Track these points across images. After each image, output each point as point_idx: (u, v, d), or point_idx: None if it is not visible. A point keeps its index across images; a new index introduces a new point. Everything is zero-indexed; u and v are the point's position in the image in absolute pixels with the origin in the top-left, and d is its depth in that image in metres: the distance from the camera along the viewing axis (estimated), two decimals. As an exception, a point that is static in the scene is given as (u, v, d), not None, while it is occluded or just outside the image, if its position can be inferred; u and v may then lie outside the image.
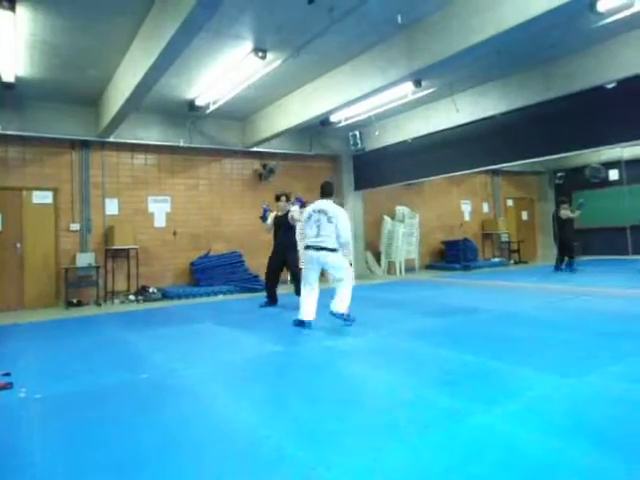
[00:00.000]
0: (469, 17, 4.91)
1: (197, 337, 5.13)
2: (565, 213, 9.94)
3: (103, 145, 8.54)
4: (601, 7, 4.95)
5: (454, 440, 2.27)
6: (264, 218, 7.02)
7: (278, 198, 6.94)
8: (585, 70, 6.67)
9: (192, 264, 9.21)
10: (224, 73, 6.59)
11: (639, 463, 1.98)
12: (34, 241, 8.09)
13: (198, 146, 9.17)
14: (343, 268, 5.10)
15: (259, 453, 2.24)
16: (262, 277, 9.47)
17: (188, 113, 8.28)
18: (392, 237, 11.61)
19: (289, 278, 9.94)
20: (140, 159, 9.06)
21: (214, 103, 7.66)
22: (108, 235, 8.48)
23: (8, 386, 3.40)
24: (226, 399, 3.05)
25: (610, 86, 6.64)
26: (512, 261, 13.72)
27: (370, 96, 6.76)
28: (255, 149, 9.68)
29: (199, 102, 7.80)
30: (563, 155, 8.52)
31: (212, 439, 2.43)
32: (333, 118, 8.79)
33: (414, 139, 9.55)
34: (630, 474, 1.91)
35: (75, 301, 8.02)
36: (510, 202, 14.90)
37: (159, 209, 9.19)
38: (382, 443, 2.27)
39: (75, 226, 8.36)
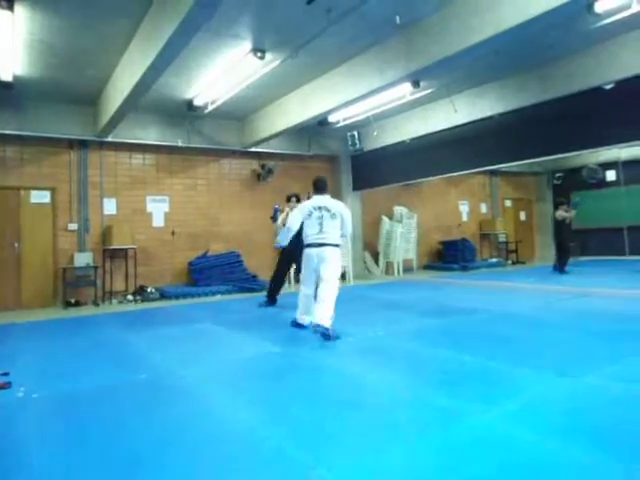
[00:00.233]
0: (468, 18, 4.92)
1: (195, 337, 5.12)
2: (560, 214, 9.96)
3: (101, 145, 8.53)
4: (599, 8, 4.97)
5: (453, 440, 2.27)
6: (274, 218, 6.97)
7: (289, 199, 6.89)
8: (583, 71, 6.69)
9: (190, 264, 9.20)
10: (222, 73, 6.58)
11: (637, 463, 1.99)
12: (32, 241, 8.08)
13: (196, 146, 9.16)
14: (334, 271, 4.80)
15: (258, 453, 2.25)
16: (260, 277, 9.51)
17: (186, 113, 8.28)
18: (390, 237, 11.62)
19: (290, 277, 9.95)
20: (138, 159, 9.05)
21: (212, 103, 7.66)
22: (106, 235, 8.46)
23: (6, 386, 3.40)
24: (225, 399, 3.05)
25: (608, 87, 6.66)
26: (510, 261, 13.75)
27: (368, 97, 6.76)
28: (253, 149, 9.68)
29: (197, 102, 7.79)
30: (561, 156, 8.55)
31: (211, 439, 2.43)
32: (331, 118, 8.79)
33: (412, 139, 9.57)
34: (628, 474, 1.91)
35: (73, 301, 8.00)
36: (508, 203, 14.93)
37: (157, 209, 9.18)
38: (381, 443, 2.27)
39: (73, 226, 8.35)
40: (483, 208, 14.31)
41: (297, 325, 5.14)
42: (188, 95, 7.67)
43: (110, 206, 8.71)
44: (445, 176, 10.38)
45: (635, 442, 2.18)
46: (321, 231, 4.83)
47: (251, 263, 9.75)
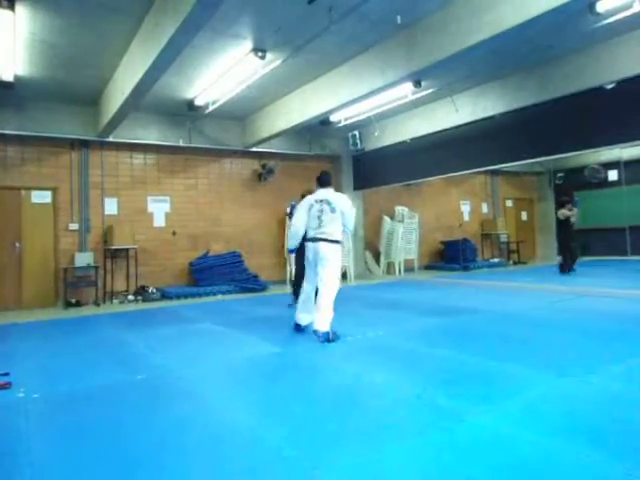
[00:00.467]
0: (468, 18, 4.91)
1: (196, 337, 5.12)
2: (563, 213, 9.86)
3: (102, 145, 8.53)
4: (600, 8, 4.96)
5: (452, 440, 2.27)
6: (291, 215, 6.94)
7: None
8: (584, 71, 6.68)
9: (191, 264, 9.20)
10: (224, 73, 6.58)
11: (637, 463, 1.98)
12: (33, 241, 8.09)
13: (197, 146, 9.16)
14: (332, 270, 4.62)
15: (257, 454, 2.24)
16: (261, 277, 9.52)
17: (187, 113, 8.28)
18: (391, 237, 11.62)
19: (291, 277, 9.95)
20: (139, 159, 9.06)
21: (213, 103, 7.66)
22: (107, 235, 8.47)
23: (7, 386, 3.40)
24: (224, 399, 3.05)
25: (609, 87, 6.64)
26: (511, 261, 13.73)
27: (369, 96, 6.76)
28: (254, 149, 9.67)
29: (198, 102, 7.80)
30: (562, 156, 8.53)
31: (210, 439, 2.43)
32: (333, 118, 8.79)
33: (413, 139, 9.56)
34: (628, 474, 1.90)
35: (74, 301, 8.01)
36: (509, 202, 14.91)
37: (158, 209, 9.18)
38: (381, 443, 2.26)
39: (74, 226, 8.35)
40: (484, 208, 14.29)
41: (296, 326, 5.01)
42: (189, 95, 7.67)
43: (111, 206, 8.71)
44: (446, 176, 10.36)
45: (635, 442, 2.18)
46: (320, 225, 4.71)
47: (252, 263, 9.75)
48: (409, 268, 11.78)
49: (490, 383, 3.11)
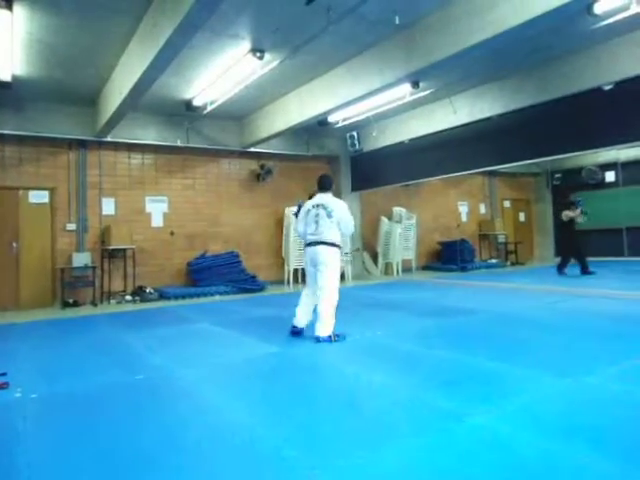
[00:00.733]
0: (467, 18, 4.92)
1: (193, 338, 5.12)
2: (567, 214, 9.72)
3: (100, 145, 8.52)
4: (598, 9, 4.97)
5: (451, 441, 2.27)
6: (297, 214, 6.90)
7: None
8: (582, 72, 6.70)
9: (189, 264, 9.19)
10: (222, 73, 6.58)
11: (635, 464, 1.98)
12: (30, 241, 8.07)
13: (195, 146, 9.15)
14: (331, 275, 4.57)
15: (256, 454, 2.24)
16: (259, 277, 9.51)
17: (185, 113, 8.27)
18: (389, 238, 11.63)
19: (289, 277, 9.95)
20: (137, 159, 9.05)
21: (212, 103, 7.65)
22: (105, 235, 8.45)
23: (4, 386, 3.39)
24: (223, 400, 3.04)
25: (607, 88, 6.66)
26: (509, 262, 13.75)
27: (368, 97, 6.76)
28: (252, 149, 9.67)
29: (197, 102, 7.79)
30: (560, 157, 8.56)
31: (209, 440, 2.43)
32: (331, 119, 8.78)
33: (412, 140, 9.57)
34: (627, 475, 1.91)
35: (71, 301, 7.99)
36: (507, 203, 14.94)
37: (156, 209, 9.17)
38: (379, 444, 2.26)
39: (71, 226, 8.33)
40: (482, 209, 14.32)
41: (293, 331, 4.87)
42: (187, 95, 7.66)
43: (109, 206, 8.70)
44: (444, 177, 10.38)
45: (633, 443, 2.18)
46: (317, 229, 4.68)
47: (250, 263, 9.75)
48: (407, 269, 11.79)
49: (488, 384, 3.12)
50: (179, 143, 8.87)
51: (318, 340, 4.49)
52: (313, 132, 10.02)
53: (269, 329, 5.30)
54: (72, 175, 8.38)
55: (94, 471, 2.13)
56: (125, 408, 2.96)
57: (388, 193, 11.87)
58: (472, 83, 7.84)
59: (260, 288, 9.20)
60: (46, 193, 8.23)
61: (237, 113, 8.87)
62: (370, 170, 10.81)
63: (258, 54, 5.86)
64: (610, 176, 13.08)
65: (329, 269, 4.56)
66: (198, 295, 8.60)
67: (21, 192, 8.04)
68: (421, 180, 10.63)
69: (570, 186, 13.52)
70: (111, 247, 8.26)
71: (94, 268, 8.21)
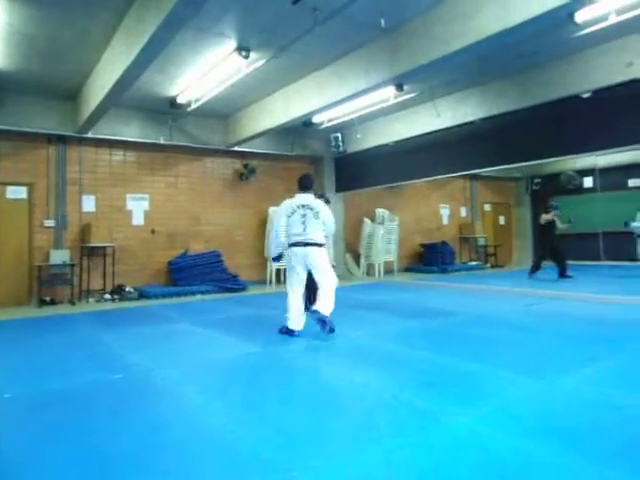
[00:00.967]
0: (451, 24, 4.98)
1: (174, 337, 5.07)
2: (543, 217, 9.87)
3: (81, 141, 8.38)
4: (578, 18, 5.08)
5: (429, 441, 2.29)
6: None
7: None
8: (561, 79, 6.84)
9: (170, 263, 9.10)
10: (207, 71, 6.54)
11: (610, 464, 2.03)
12: (7, 237, 7.89)
13: (179, 144, 9.07)
14: (328, 272, 4.80)
15: (235, 455, 2.23)
16: (241, 277, 9.46)
17: (169, 110, 8.19)
18: (372, 239, 11.68)
19: (271, 277, 9.93)
20: (119, 155, 8.92)
21: (196, 101, 7.60)
22: (84, 232, 8.32)
23: (-23, 386, 3.31)
24: (202, 400, 3.02)
25: (586, 95, 6.81)
26: (489, 265, 13.94)
27: (352, 98, 6.79)
28: (236, 148, 9.63)
29: (181, 100, 7.72)
30: (539, 162, 8.70)
31: (187, 441, 2.41)
32: (315, 119, 8.80)
33: (395, 142, 9.64)
34: (601, 475, 1.95)
35: (48, 299, 7.84)
36: (487, 207, 15.15)
37: (137, 207, 9.06)
38: (358, 445, 2.28)
39: (50, 222, 8.18)
40: (463, 212, 14.49)
41: (287, 332, 4.80)
42: (171, 92, 7.59)
43: (89, 203, 8.56)
44: (427, 179, 10.48)
45: (608, 444, 2.24)
46: (305, 230, 4.74)
47: (232, 263, 9.70)
48: (389, 270, 11.86)
49: (467, 384, 3.16)
50: (162, 141, 8.78)
51: (321, 319, 4.59)
52: (297, 132, 10.02)
53: (250, 329, 5.29)
54: (51, 171, 8.23)
55: (72, 472, 2.10)
56: (103, 408, 2.92)
57: (371, 194, 11.93)
58: (456, 87, 7.94)
59: (242, 288, 9.16)
60: (24, 189, 8.05)
61: (222, 111, 8.82)
62: (354, 171, 10.85)
63: (244, 53, 5.83)
64: (588, 182, 13.36)
65: (325, 267, 4.81)
66: (179, 294, 8.52)
67: (-2, 187, 7.87)
68: (404, 182, 10.71)
69: (549, 191, 13.77)
70: (91, 245, 8.14)
71: (72, 266, 8.07)
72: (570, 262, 9.89)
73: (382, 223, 11.81)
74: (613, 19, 5.00)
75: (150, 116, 8.61)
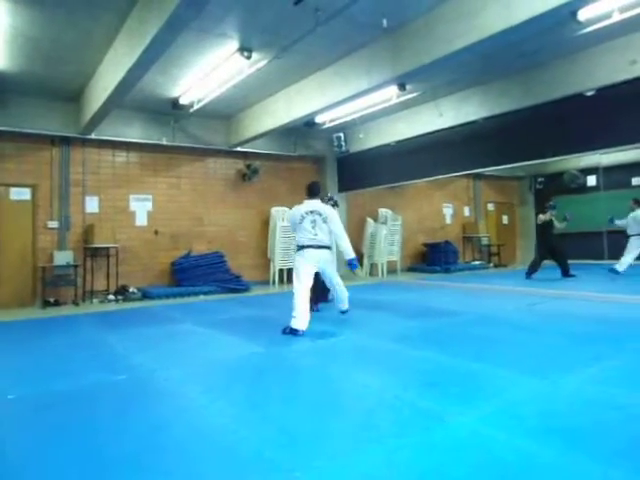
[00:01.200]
0: (453, 23, 4.97)
1: (177, 338, 5.07)
2: (539, 217, 9.88)
3: (84, 142, 8.40)
4: (581, 17, 5.07)
5: (431, 441, 2.29)
6: None
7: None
8: (565, 78, 6.82)
9: (173, 264, 9.11)
10: (209, 72, 6.55)
11: (613, 464, 2.02)
12: (10, 238, 7.92)
13: (181, 145, 9.09)
14: (335, 271, 5.38)
15: (237, 455, 2.23)
16: (244, 277, 9.47)
17: (172, 111, 8.21)
18: (374, 239, 11.67)
19: (274, 277, 9.93)
20: (122, 157, 8.94)
21: (198, 102, 7.61)
22: (88, 233, 8.34)
23: (-19, 386, 3.33)
24: (205, 400, 3.03)
25: (589, 94, 6.79)
26: (492, 264, 13.91)
27: (355, 98, 6.79)
28: (239, 149, 9.64)
29: (183, 100, 7.74)
30: (542, 161, 8.68)
31: (190, 441, 2.41)
32: (318, 119, 8.80)
33: (398, 142, 9.63)
34: (605, 475, 1.94)
35: (52, 300, 7.87)
36: (491, 206, 15.11)
37: (140, 208, 9.08)
38: (360, 445, 2.27)
39: (53, 224, 8.21)
40: (466, 211, 14.46)
41: (291, 332, 4.75)
42: (174, 93, 7.61)
43: (92, 204, 8.59)
44: (430, 179, 10.46)
45: (611, 444, 2.22)
46: (316, 234, 5.05)
47: (235, 263, 9.70)
48: (392, 270, 11.85)
49: (469, 384, 3.15)
50: (165, 141, 8.80)
51: (343, 312, 5.57)
52: (300, 133, 10.02)
53: (253, 329, 5.29)
54: (55, 172, 8.26)
55: (76, 472, 2.10)
56: (107, 409, 2.92)
57: (374, 194, 11.92)
58: (458, 87, 7.92)
59: (245, 288, 9.17)
60: (28, 190, 8.09)
61: (224, 112, 8.83)
62: (356, 171, 10.85)
63: (246, 53, 5.85)
64: (592, 180, 13.32)
65: (334, 266, 5.46)
66: (182, 295, 8.53)
67: (2, 189, 7.89)
68: (407, 182, 10.70)
69: (553, 190, 13.73)
70: (94, 246, 8.16)
71: (76, 267, 8.09)
72: (574, 261, 9.87)
73: (385, 223, 11.80)
74: (617, 17, 4.98)
75: (152, 117, 8.63)
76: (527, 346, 4.24)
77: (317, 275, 5.28)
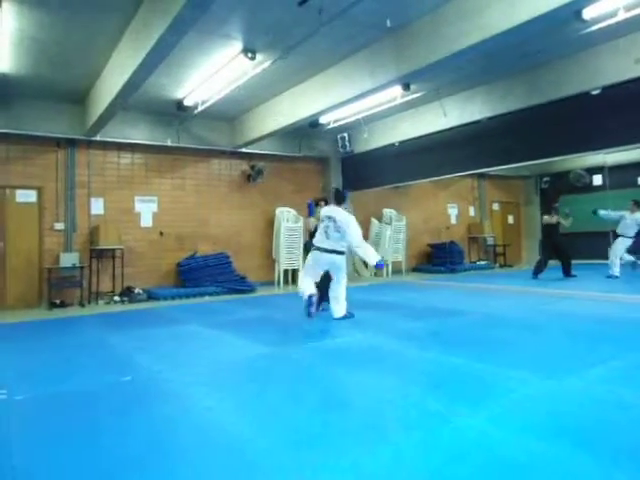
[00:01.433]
0: (457, 22, 4.96)
1: (183, 339, 5.09)
2: (544, 219, 9.90)
3: (89, 144, 8.44)
4: (586, 15, 5.04)
5: (438, 442, 2.28)
6: (311, 212, 6.97)
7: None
8: (570, 77, 6.78)
9: (178, 265, 9.14)
10: (213, 73, 6.57)
11: (619, 464, 2.01)
12: (17, 240, 7.97)
13: (186, 146, 9.11)
14: (343, 271, 5.63)
15: (245, 456, 2.23)
16: (249, 278, 9.49)
17: (176, 112, 8.23)
18: (379, 239, 11.66)
19: (279, 278, 9.94)
20: (127, 158, 8.98)
21: (203, 103, 7.63)
22: (93, 235, 8.38)
23: (-11, 387, 3.35)
24: (212, 401, 3.03)
25: (595, 93, 6.75)
26: (497, 264, 13.86)
27: (359, 99, 6.78)
28: (243, 150, 9.66)
29: (187, 102, 7.76)
30: (547, 160, 8.64)
31: (197, 442, 2.41)
32: (322, 120, 8.80)
33: (402, 142, 9.61)
34: (610, 475, 1.93)
35: (58, 302, 7.91)
36: (496, 206, 15.05)
37: (146, 209, 9.11)
38: (367, 445, 2.27)
39: (59, 225, 8.25)
40: (471, 211, 14.41)
41: (308, 306, 5.48)
42: (178, 95, 7.63)
43: (97, 206, 8.62)
44: (434, 179, 10.43)
45: (617, 443, 2.21)
46: (327, 238, 5.48)
47: (240, 264, 9.72)
48: (397, 270, 11.83)
49: (476, 385, 3.14)
50: (169, 143, 8.82)
51: (337, 319, 5.51)
52: (304, 133, 10.03)
53: (259, 330, 5.30)
54: (60, 174, 8.30)
55: (81, 474, 2.11)
56: (113, 410, 2.93)
57: (378, 194, 11.90)
58: (462, 86, 7.90)
59: (250, 289, 9.18)
60: (34, 192, 8.14)
61: (228, 113, 8.85)
62: (361, 172, 10.84)
63: (250, 54, 5.86)
64: (597, 180, 13.23)
65: (342, 270, 5.64)
66: (187, 296, 8.55)
67: (8, 191, 7.94)
68: (411, 182, 10.68)
69: (558, 189, 13.65)
70: (100, 247, 8.20)
71: (82, 268, 8.13)
72: (579, 261, 9.84)
73: (389, 223, 11.79)
74: (622, 15, 4.95)
75: (157, 119, 8.66)
76: (533, 346, 4.22)
77: (325, 275, 5.74)
